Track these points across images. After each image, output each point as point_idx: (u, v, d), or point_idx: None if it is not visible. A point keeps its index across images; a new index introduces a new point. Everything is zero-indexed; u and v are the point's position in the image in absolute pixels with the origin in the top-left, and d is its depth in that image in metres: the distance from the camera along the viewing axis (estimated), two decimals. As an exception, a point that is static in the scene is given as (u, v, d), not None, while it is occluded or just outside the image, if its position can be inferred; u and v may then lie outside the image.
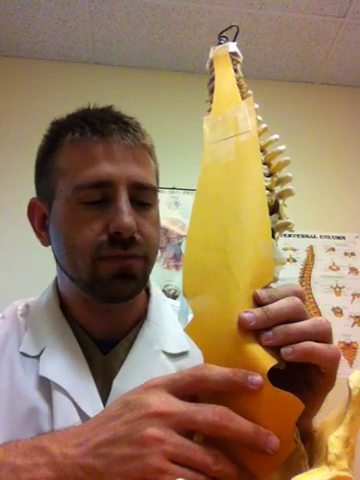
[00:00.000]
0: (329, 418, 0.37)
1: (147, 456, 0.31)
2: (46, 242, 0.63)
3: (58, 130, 0.61)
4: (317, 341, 0.35)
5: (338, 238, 1.90)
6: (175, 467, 0.31)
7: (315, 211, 1.89)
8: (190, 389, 0.34)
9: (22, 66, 1.95)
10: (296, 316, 0.35)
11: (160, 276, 1.76)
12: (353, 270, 1.86)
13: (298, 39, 1.84)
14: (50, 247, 0.63)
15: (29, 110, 1.84)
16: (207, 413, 0.32)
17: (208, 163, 0.45)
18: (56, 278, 0.67)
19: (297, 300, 0.36)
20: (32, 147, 0.69)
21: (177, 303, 0.72)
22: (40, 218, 0.62)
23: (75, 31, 1.82)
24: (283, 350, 0.34)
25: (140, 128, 0.61)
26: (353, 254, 1.88)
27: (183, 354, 0.62)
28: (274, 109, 1.79)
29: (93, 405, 0.54)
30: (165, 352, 0.61)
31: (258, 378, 0.33)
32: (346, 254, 1.88)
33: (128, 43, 1.88)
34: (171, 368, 0.59)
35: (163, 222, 1.84)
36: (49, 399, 0.54)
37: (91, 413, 0.53)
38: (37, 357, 0.57)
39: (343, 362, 1.73)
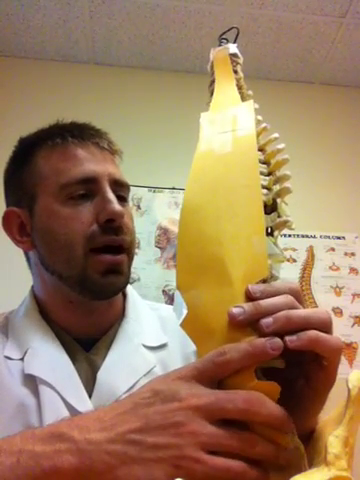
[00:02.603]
0: (328, 418, 0.37)
1: (182, 446, 0.32)
2: (30, 247, 0.64)
3: (32, 142, 0.65)
4: (319, 330, 0.35)
5: (338, 238, 1.90)
6: (209, 457, 0.32)
7: (315, 211, 1.89)
8: (216, 376, 0.34)
9: (22, 66, 1.95)
10: None
11: (160, 276, 1.76)
12: (353, 270, 1.86)
13: (298, 39, 1.84)
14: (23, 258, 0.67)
15: (29, 110, 1.84)
16: (237, 401, 0.32)
17: (203, 151, 0.44)
18: (32, 287, 0.69)
19: (291, 298, 0.36)
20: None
21: (152, 303, 0.76)
22: (19, 225, 0.65)
23: (75, 31, 1.82)
24: (288, 338, 0.33)
25: (109, 136, 0.68)
26: (353, 254, 1.88)
27: (162, 346, 0.65)
28: (274, 109, 1.78)
29: (79, 398, 0.56)
30: (145, 345, 0.64)
31: (277, 340, 0.33)
32: (346, 254, 1.88)
33: (128, 43, 1.88)
34: (152, 360, 0.62)
35: (163, 222, 1.84)
36: (36, 395, 0.56)
37: (77, 406, 0.55)
38: (21, 359, 0.59)
39: (343, 362, 1.73)
